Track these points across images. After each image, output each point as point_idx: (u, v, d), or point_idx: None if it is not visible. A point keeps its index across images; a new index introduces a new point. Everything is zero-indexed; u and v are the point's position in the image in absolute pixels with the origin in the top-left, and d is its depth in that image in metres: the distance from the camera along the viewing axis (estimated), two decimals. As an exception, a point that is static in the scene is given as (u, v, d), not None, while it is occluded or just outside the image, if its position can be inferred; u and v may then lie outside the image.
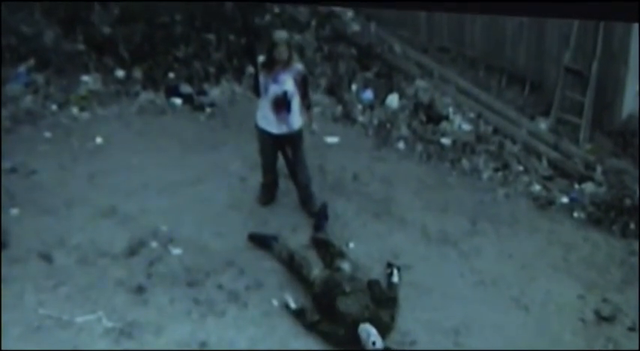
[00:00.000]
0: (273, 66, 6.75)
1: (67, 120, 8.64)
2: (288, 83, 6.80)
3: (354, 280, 6.41)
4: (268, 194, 7.50)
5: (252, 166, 7.41)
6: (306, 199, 7.40)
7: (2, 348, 5.88)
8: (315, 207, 7.36)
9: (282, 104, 6.84)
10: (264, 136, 7.04)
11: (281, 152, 7.18)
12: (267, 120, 6.94)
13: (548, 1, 3.46)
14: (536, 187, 8.02)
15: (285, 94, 6.80)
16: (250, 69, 6.85)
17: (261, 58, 6.82)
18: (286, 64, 6.76)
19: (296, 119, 6.98)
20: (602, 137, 8.49)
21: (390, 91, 9.22)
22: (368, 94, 9.21)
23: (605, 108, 8.45)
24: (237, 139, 7.37)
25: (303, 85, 6.91)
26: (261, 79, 6.82)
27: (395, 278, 6.63)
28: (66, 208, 7.35)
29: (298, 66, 6.89)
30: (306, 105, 7.06)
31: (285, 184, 7.52)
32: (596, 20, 7.97)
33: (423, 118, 8.85)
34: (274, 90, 6.80)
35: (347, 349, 6.09)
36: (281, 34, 6.78)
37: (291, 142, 7.10)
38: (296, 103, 6.91)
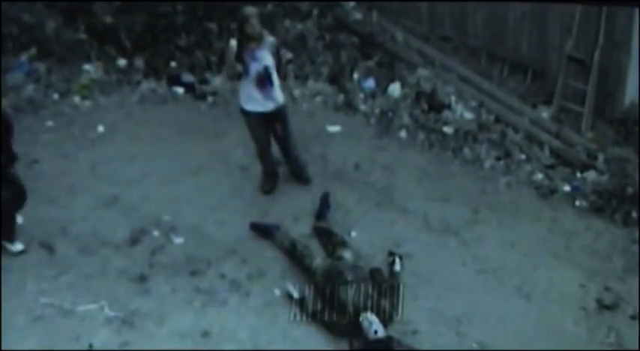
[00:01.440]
0: (247, 43, 6.68)
1: (68, 109, 8.65)
2: (267, 58, 6.77)
3: (355, 269, 6.40)
4: (270, 183, 7.50)
5: (253, 155, 7.40)
6: (298, 169, 7.49)
7: (3, 336, 5.90)
8: (308, 172, 7.48)
9: (265, 80, 6.82)
10: (253, 117, 7.03)
11: (271, 130, 7.17)
12: (255, 100, 6.92)
13: None
14: (539, 176, 8.00)
15: (266, 69, 6.78)
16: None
17: (233, 41, 6.75)
18: (260, 39, 6.72)
19: (279, 93, 6.98)
20: (604, 126, 8.45)
21: (392, 79, 9.20)
22: (370, 83, 9.20)
23: (607, 96, 8.42)
24: (239, 127, 7.35)
25: (278, 57, 6.89)
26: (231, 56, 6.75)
27: (397, 267, 6.61)
28: (68, 197, 7.37)
29: (270, 38, 6.85)
30: (282, 75, 7.05)
31: (286, 173, 7.53)
32: (599, 5, 7.93)
33: (425, 107, 8.82)
34: (255, 68, 6.76)
35: (349, 338, 6.09)
36: (250, 9, 6.68)
37: (278, 117, 7.09)
38: (275, 76, 6.90)
